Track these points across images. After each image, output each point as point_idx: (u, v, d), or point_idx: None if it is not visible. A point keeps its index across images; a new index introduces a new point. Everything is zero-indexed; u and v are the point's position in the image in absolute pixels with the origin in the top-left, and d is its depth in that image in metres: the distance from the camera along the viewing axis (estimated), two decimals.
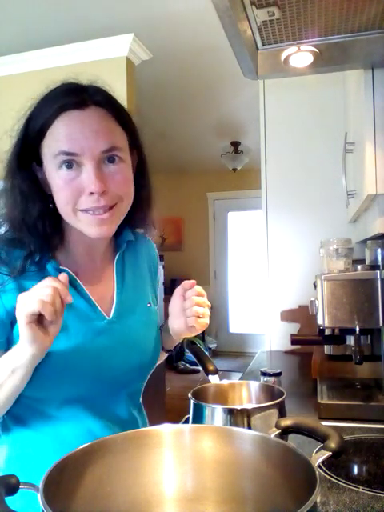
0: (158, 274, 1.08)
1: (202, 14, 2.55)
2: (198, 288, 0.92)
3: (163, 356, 1.07)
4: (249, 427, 0.79)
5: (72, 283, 0.84)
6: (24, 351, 0.72)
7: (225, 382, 0.97)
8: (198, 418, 0.84)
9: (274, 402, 0.83)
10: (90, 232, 0.82)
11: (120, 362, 0.88)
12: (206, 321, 0.92)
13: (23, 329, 0.70)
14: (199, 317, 0.91)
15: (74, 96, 0.80)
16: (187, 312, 0.91)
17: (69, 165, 0.79)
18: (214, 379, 0.97)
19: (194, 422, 0.84)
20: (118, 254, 0.95)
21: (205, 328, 0.93)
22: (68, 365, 0.81)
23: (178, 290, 0.94)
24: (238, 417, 0.80)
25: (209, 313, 0.93)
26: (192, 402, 0.85)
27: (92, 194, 0.79)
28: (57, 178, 0.80)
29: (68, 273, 0.84)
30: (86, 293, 0.87)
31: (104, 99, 0.83)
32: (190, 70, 3.39)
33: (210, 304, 0.94)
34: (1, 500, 0.46)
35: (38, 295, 0.69)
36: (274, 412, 0.82)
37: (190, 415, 0.86)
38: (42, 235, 0.83)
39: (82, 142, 0.78)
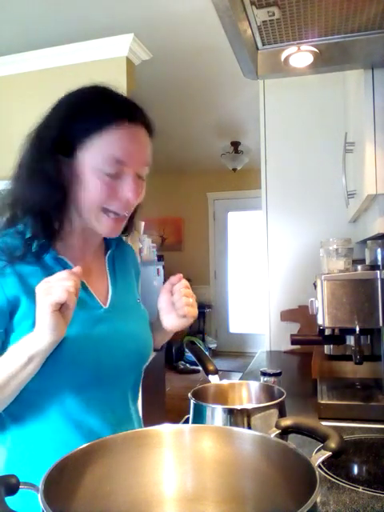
0: (139, 279, 1.13)
1: (202, 14, 2.55)
2: (184, 281, 0.98)
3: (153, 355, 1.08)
4: (249, 427, 0.79)
5: None
6: (42, 338, 0.74)
7: (225, 381, 0.97)
8: (198, 417, 0.84)
9: (273, 402, 0.83)
10: (102, 230, 0.88)
11: (118, 351, 0.90)
12: (196, 310, 0.97)
13: (47, 316, 0.73)
14: (189, 305, 0.95)
15: (130, 110, 0.88)
16: (177, 304, 0.96)
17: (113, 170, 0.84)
18: (214, 379, 0.97)
19: (194, 421, 0.85)
20: (109, 251, 1.00)
21: (195, 317, 0.98)
22: (70, 352, 0.82)
23: (165, 287, 0.99)
24: (238, 417, 0.80)
25: (196, 303, 0.98)
26: (192, 402, 0.86)
27: (127, 201, 0.86)
28: (95, 178, 0.84)
29: (67, 262, 0.88)
30: (83, 282, 0.89)
31: (147, 121, 0.91)
32: (189, 70, 3.39)
33: (194, 296, 0.98)
34: (1, 500, 0.46)
35: (64, 285, 0.72)
36: (274, 412, 0.82)
37: (190, 415, 0.86)
38: (52, 221, 0.87)
39: (132, 154, 0.86)
